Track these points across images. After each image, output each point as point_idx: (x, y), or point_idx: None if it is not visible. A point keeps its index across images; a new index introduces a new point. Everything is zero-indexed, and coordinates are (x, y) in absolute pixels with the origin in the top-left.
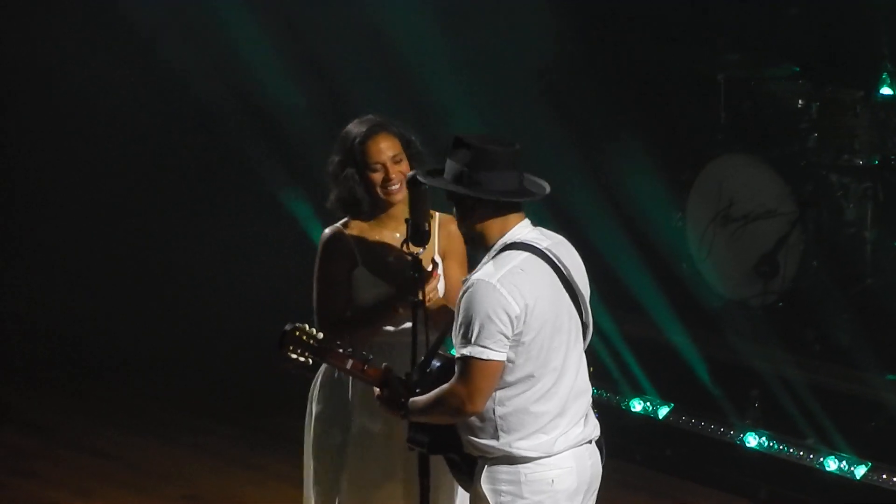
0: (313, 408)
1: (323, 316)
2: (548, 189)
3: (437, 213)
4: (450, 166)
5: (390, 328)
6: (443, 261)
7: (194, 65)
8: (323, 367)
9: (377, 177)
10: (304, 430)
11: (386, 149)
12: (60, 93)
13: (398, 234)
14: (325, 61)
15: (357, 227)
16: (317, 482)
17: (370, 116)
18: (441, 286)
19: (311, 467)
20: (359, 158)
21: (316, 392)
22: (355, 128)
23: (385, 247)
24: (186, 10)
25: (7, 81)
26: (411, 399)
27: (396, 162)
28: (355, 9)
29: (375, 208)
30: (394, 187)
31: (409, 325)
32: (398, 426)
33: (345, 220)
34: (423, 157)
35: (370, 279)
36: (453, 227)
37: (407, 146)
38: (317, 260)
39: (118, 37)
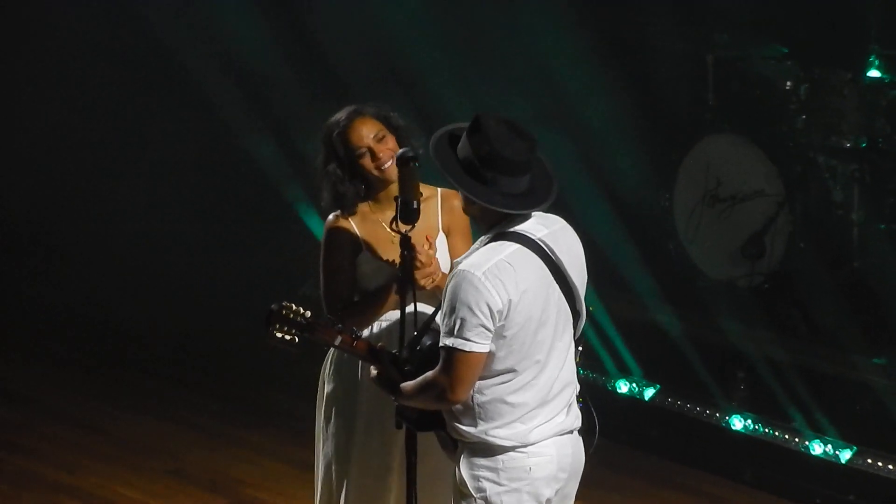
0: (325, 389)
1: (331, 302)
2: (553, 193)
3: (439, 189)
4: (464, 146)
5: (397, 309)
6: (447, 236)
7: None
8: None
9: (366, 161)
10: (315, 410)
11: (367, 132)
12: (65, 84)
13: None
14: (330, 58)
15: (359, 213)
16: (325, 464)
17: (345, 107)
18: (446, 261)
19: (322, 446)
20: (342, 149)
21: (328, 373)
22: (332, 121)
23: (386, 229)
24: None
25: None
26: (402, 384)
27: (380, 140)
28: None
29: (374, 192)
30: (386, 165)
31: (406, 307)
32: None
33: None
34: (407, 129)
35: (373, 263)
36: (456, 202)
37: (387, 123)
38: (321, 248)
39: (127, 38)
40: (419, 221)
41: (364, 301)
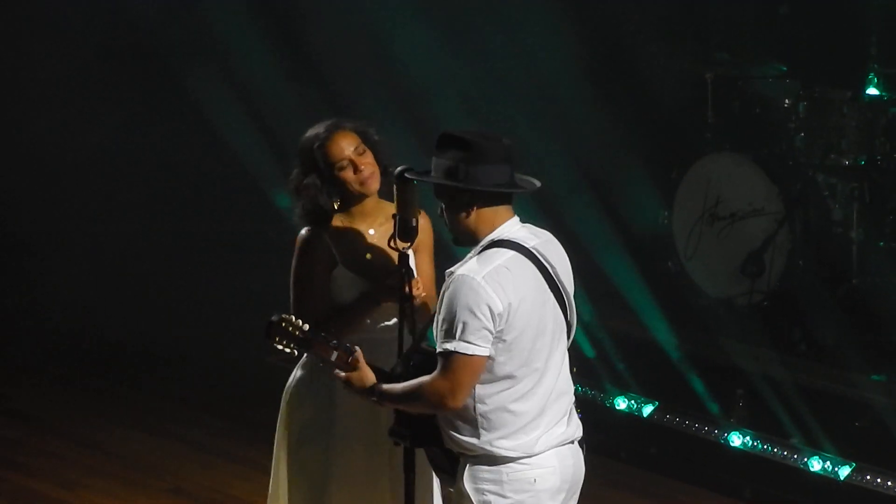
0: (291, 412)
1: (301, 316)
2: (539, 183)
3: None
4: (438, 163)
5: (371, 325)
6: (414, 254)
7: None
8: (297, 370)
9: (347, 174)
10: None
11: (346, 145)
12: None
13: (372, 231)
14: (325, 66)
15: (333, 226)
16: (297, 489)
17: (322, 121)
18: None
19: (288, 473)
20: (323, 162)
21: (294, 394)
22: (311, 135)
23: (362, 244)
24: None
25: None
26: (387, 386)
27: (360, 154)
28: (357, 15)
29: (349, 206)
30: (367, 177)
31: (388, 322)
32: (382, 425)
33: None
34: (383, 145)
35: (349, 277)
36: (422, 221)
37: (365, 137)
38: (294, 260)
39: (121, 41)
40: (388, 240)
41: (341, 316)
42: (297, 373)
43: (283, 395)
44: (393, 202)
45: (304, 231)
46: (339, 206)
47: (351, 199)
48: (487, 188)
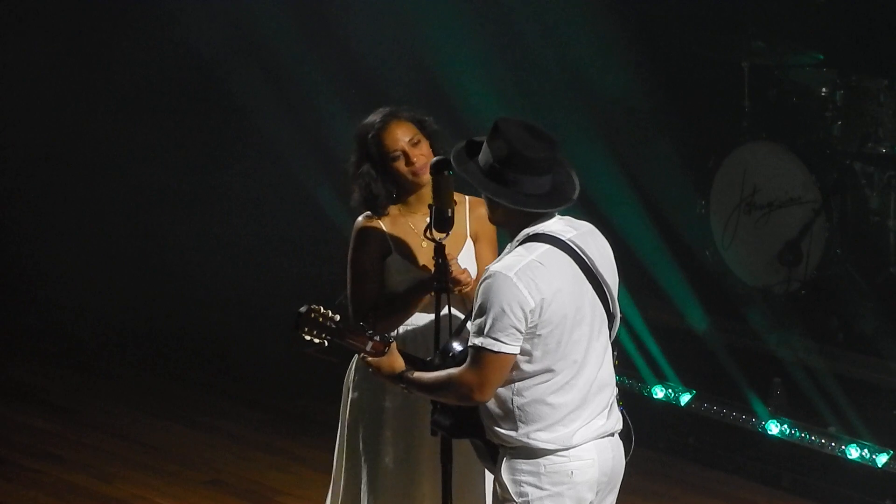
0: (349, 397)
1: (358, 303)
2: (576, 192)
3: (467, 197)
4: (485, 153)
5: (422, 314)
6: (474, 243)
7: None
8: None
9: (400, 165)
10: (339, 414)
11: (402, 135)
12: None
13: (428, 220)
14: (359, 58)
15: (389, 215)
16: (349, 471)
17: (379, 109)
18: (473, 268)
19: (344, 451)
20: (376, 151)
21: (353, 380)
22: (367, 122)
23: (416, 233)
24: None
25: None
26: (416, 374)
27: (414, 145)
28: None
29: (405, 196)
30: (419, 169)
31: (432, 314)
32: (425, 412)
33: None
34: (441, 135)
35: (403, 265)
36: (483, 210)
37: (421, 127)
38: (350, 249)
39: (143, 26)
40: (423, 230)
41: (392, 304)
42: (354, 360)
43: (344, 381)
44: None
45: (360, 218)
46: (396, 196)
47: (405, 189)
48: (513, 205)
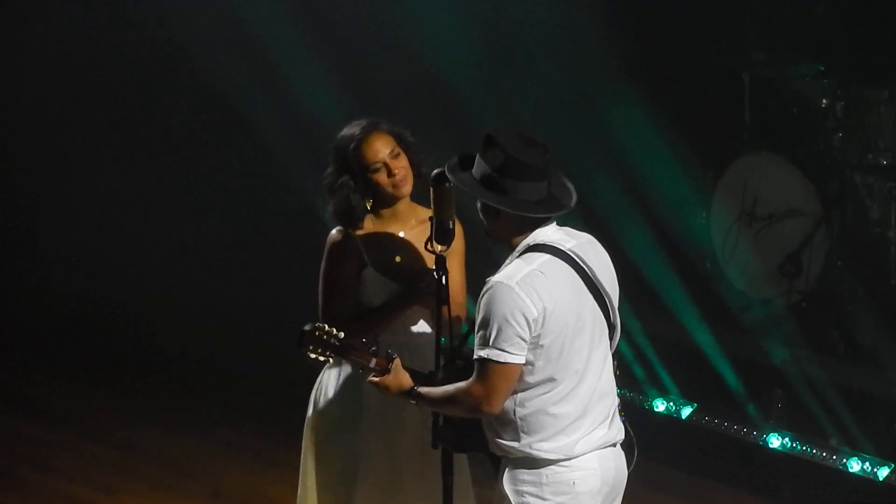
0: (319, 410)
1: (329, 317)
2: (574, 198)
3: None
4: (479, 165)
5: (400, 329)
6: (446, 259)
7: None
8: (324, 371)
9: (380, 176)
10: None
11: (382, 147)
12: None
13: (403, 234)
14: (361, 72)
15: (363, 228)
16: (325, 488)
17: (357, 121)
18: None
19: (315, 471)
20: (356, 163)
21: (324, 394)
22: (346, 134)
23: (393, 246)
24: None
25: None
26: (424, 388)
27: (395, 157)
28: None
29: (381, 208)
30: (399, 181)
31: (415, 326)
32: (408, 427)
33: None
34: (417, 148)
35: (379, 279)
36: (456, 227)
37: (400, 140)
38: (324, 261)
39: (155, 49)
40: (424, 243)
41: (368, 318)
42: (323, 375)
43: (311, 396)
44: (425, 205)
45: (334, 231)
46: (370, 208)
47: (383, 202)
48: (514, 210)
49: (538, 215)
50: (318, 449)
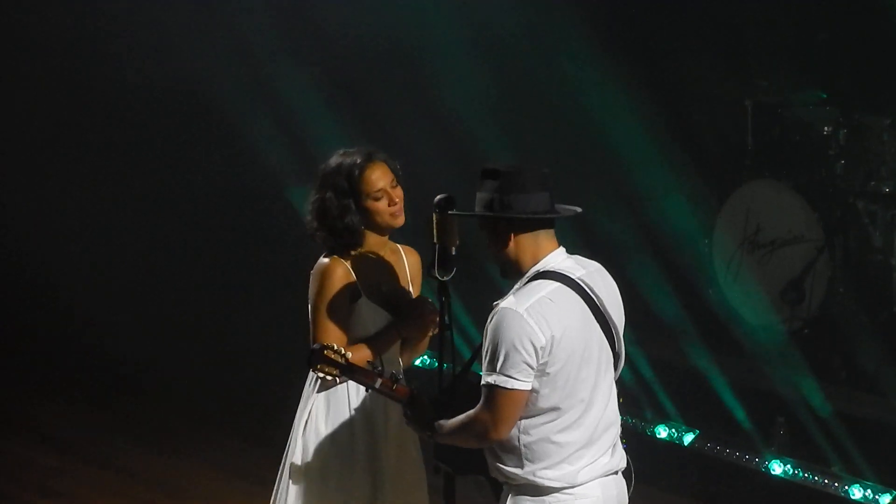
0: (310, 429)
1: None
2: (579, 209)
3: (400, 246)
4: (479, 198)
5: (389, 356)
6: (412, 288)
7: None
8: (309, 382)
9: (381, 205)
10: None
11: (383, 175)
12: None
13: (391, 263)
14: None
15: (354, 257)
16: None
17: (354, 149)
18: None
19: (304, 485)
20: (357, 189)
21: (315, 415)
22: (346, 160)
23: (384, 276)
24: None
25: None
26: (439, 421)
27: (394, 187)
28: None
29: (372, 234)
30: (398, 211)
31: (389, 354)
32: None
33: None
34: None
35: (371, 308)
36: (415, 258)
37: (395, 171)
38: (315, 290)
39: (151, 63)
40: (400, 273)
41: (368, 346)
42: (309, 383)
43: (300, 425)
44: (391, 240)
45: (325, 260)
46: (360, 238)
47: (377, 229)
48: (521, 215)
49: (548, 216)
50: (308, 465)
